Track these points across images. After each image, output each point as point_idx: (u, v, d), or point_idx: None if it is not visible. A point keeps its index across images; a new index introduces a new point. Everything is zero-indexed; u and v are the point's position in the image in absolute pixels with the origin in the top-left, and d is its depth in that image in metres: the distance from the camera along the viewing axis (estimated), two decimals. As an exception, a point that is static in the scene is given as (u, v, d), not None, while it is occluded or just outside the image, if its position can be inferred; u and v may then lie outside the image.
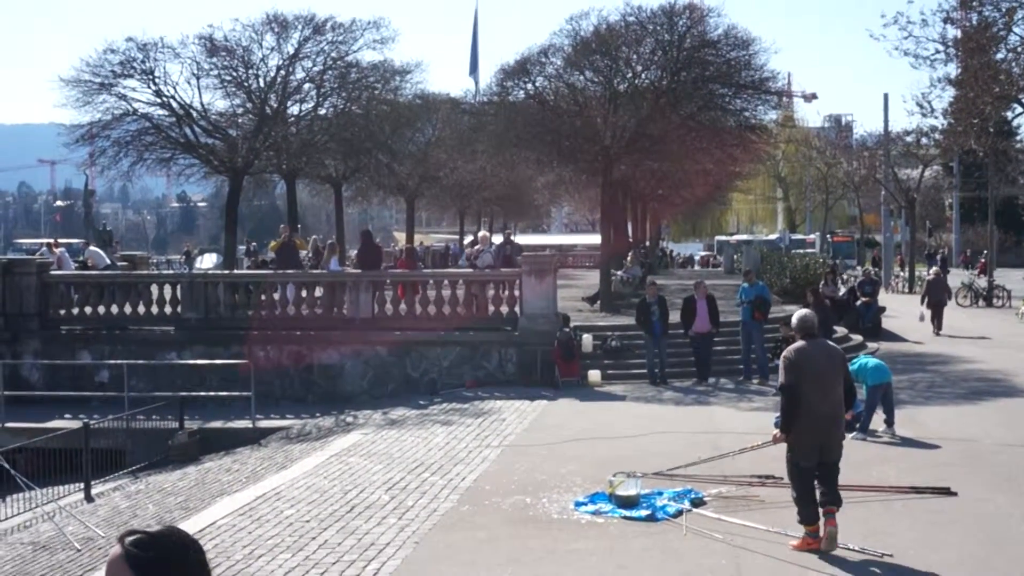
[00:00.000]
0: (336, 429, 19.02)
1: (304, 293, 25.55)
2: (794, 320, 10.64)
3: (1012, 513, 11.39)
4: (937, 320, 32.15)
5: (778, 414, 16.99)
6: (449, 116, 44.01)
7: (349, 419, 19.88)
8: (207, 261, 54.35)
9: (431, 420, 18.88)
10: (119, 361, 23.07)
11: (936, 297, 32.88)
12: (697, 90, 34.37)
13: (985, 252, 60.62)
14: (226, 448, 19.46)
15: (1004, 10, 32.82)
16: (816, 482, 10.25)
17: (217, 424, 21.05)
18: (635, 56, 34.20)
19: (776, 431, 10.96)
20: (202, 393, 22.32)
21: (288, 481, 14.11)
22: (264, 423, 20.78)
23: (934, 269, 38.19)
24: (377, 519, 11.80)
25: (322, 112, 39.24)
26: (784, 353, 10.43)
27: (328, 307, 25.29)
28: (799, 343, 10.31)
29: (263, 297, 25.64)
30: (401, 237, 54.72)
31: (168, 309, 25.44)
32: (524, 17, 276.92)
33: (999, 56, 35.05)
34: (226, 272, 30.17)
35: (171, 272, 40.27)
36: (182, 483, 16.85)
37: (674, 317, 23.31)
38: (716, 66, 34.72)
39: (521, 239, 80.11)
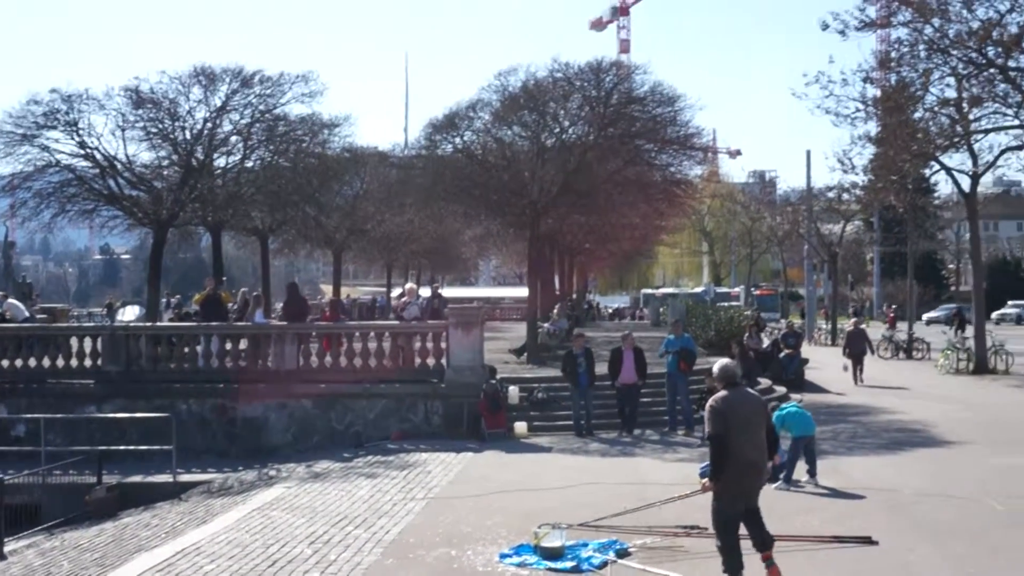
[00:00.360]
0: (259, 483, 18.74)
1: (228, 345, 25.27)
2: (716, 369, 10.70)
3: (933, 562, 11.52)
4: (858, 370, 33.29)
5: (704, 463, 17.14)
6: (377, 169, 44.08)
7: (272, 472, 19.61)
8: (129, 313, 53.48)
9: (356, 473, 18.70)
10: (36, 415, 22.54)
11: (856, 348, 33.95)
12: (623, 145, 34.78)
13: (894, 306, 61.88)
14: (145, 503, 19.06)
15: (921, 71, 33.72)
16: (745, 528, 10.31)
17: (137, 479, 20.63)
18: (562, 111, 34.56)
19: (704, 480, 10.99)
20: (122, 447, 21.88)
21: (208, 536, 13.86)
22: (185, 477, 20.39)
23: (853, 320, 39.55)
24: (299, 573, 11.63)
25: (249, 164, 39.06)
26: (709, 403, 10.46)
27: (253, 359, 25.02)
28: (722, 392, 10.37)
29: (186, 349, 25.31)
30: (328, 289, 54.41)
31: (88, 362, 24.99)
32: (453, 72, 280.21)
33: (917, 115, 35.99)
34: (148, 324, 29.77)
35: (92, 325, 39.55)
36: (99, 539, 16.45)
37: (601, 369, 23.37)
38: (642, 122, 35.22)
39: (448, 292, 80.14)
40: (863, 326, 36.52)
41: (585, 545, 12.38)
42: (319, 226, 44.54)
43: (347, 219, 44.55)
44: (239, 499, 17.22)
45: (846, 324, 42.83)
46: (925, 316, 75.29)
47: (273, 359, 24.53)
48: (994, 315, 74.79)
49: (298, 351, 24.66)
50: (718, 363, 10.87)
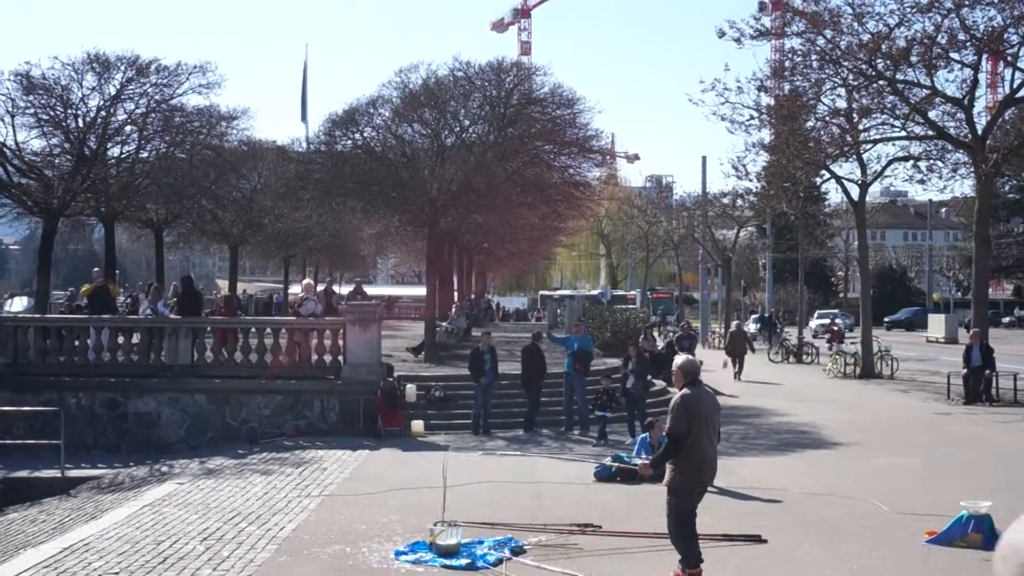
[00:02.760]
0: (150, 479, 18.45)
1: (120, 339, 24.82)
2: (679, 364, 10.79)
3: (819, 559, 11.81)
4: (739, 367, 35.89)
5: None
6: (275, 164, 43.50)
7: (164, 468, 19.32)
8: (17, 305, 52.16)
9: (250, 469, 18.51)
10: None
11: (738, 347, 37.08)
12: (523, 146, 35.00)
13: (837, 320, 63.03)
14: (32, 498, 18.63)
15: (813, 81, 34.47)
16: None
17: (23, 473, 20.13)
18: (463, 110, 34.69)
19: (645, 459, 11.11)
20: (8, 441, 21.36)
21: (98, 532, 13.59)
22: (74, 472, 19.97)
23: (735, 322, 42.97)
24: (190, 571, 11.47)
25: (144, 155, 38.34)
26: (674, 400, 10.58)
27: (145, 353, 24.61)
28: (686, 390, 10.50)
29: (76, 342, 24.80)
30: (224, 284, 53.63)
31: (-27, 353, 24.34)
32: (354, 67, 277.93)
33: (808, 124, 36.78)
34: (37, 316, 29.07)
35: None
36: (-18, 535, 16.04)
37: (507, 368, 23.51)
38: (542, 123, 35.47)
39: (345, 289, 79.75)
40: (745, 327, 38.19)
41: (480, 543, 12.43)
42: (215, 220, 43.84)
43: (244, 213, 43.89)
44: (130, 495, 16.92)
45: (731, 325, 44.36)
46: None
47: (167, 353, 24.16)
48: (885, 319, 77.22)
49: (192, 346, 24.33)
50: (679, 359, 10.97)
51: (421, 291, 45.82)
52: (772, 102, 36.96)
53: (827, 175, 40.38)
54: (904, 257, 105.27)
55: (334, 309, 29.62)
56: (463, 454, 20.18)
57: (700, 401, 10.51)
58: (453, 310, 42.10)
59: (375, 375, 23.41)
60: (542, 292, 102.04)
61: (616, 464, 17.18)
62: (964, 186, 59.13)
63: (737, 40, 33.57)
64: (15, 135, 34.72)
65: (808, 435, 22.30)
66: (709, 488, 15.44)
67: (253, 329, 25.28)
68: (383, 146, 34.36)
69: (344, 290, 36.13)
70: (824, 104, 35.46)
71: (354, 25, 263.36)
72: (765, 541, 12.44)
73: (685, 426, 10.27)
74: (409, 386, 24.14)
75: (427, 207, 32.34)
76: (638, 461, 17.43)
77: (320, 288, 32.92)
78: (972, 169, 34.48)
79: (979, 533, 11.89)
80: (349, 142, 34.65)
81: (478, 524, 13.19)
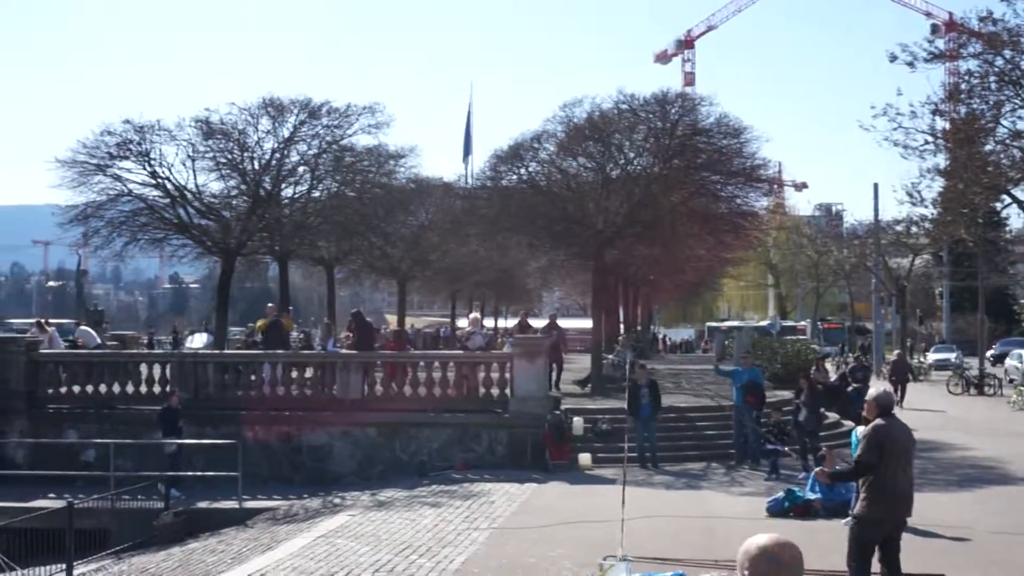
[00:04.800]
0: (323, 510, 18.81)
1: (294, 373, 25.46)
2: (873, 395, 10.59)
3: (1007, 600, 11.26)
4: (901, 394, 35.93)
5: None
6: (442, 200, 44.19)
7: (337, 500, 19.69)
8: (197, 341, 54.17)
9: (419, 502, 18.69)
10: (105, 440, 22.83)
11: (899, 375, 38.29)
12: (689, 176, 34.64)
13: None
14: (212, 529, 19.21)
15: (992, 102, 33.20)
16: (880, 559, 10.27)
17: (203, 504, 20.80)
18: (627, 143, 34.50)
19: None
20: (189, 473, 22.09)
21: (273, 563, 13.90)
22: (251, 504, 20.54)
23: (897, 352, 43.83)
24: (363, 601, 11.61)
25: (316, 194, 39.36)
26: (867, 430, 10.39)
27: (318, 387, 25.17)
28: (879, 421, 10.30)
29: (252, 377, 25.54)
30: (393, 319, 54.64)
31: (157, 388, 25.29)
32: (518, 103, 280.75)
33: (987, 148, 35.42)
34: (216, 352, 30.08)
35: (161, 352, 40.00)
36: (166, 564, 16.59)
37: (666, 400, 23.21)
38: (708, 153, 35.04)
39: (511, 323, 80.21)
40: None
41: (651, 578, 12.23)
42: (384, 256, 44.70)
43: (412, 249, 44.68)
44: (304, 526, 17.27)
45: (890, 355, 43.93)
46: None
47: (339, 387, 24.65)
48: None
49: (363, 380, 24.77)
50: (874, 390, 10.85)
51: (587, 323, 45.73)
52: (948, 126, 35.75)
53: (1009, 200, 38.78)
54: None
55: (556, 347, 30.48)
56: (631, 488, 19.92)
57: (894, 432, 10.25)
58: (619, 342, 41.83)
59: (542, 408, 23.40)
60: (709, 323, 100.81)
61: (790, 499, 16.75)
62: None
63: (910, 64, 32.52)
64: (195, 178, 36.10)
65: (993, 470, 21.34)
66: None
67: (422, 363, 25.60)
68: (548, 180, 34.44)
69: (538, 324, 36.18)
70: (1004, 126, 34.08)
71: (518, 61, 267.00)
72: (950, 581, 11.92)
73: (875, 456, 10.06)
74: (576, 419, 24.04)
75: (592, 240, 32.28)
76: (812, 495, 16.98)
77: (515, 323, 33.20)
78: None
79: None
80: (514, 177, 34.86)
81: (648, 559, 12.98)
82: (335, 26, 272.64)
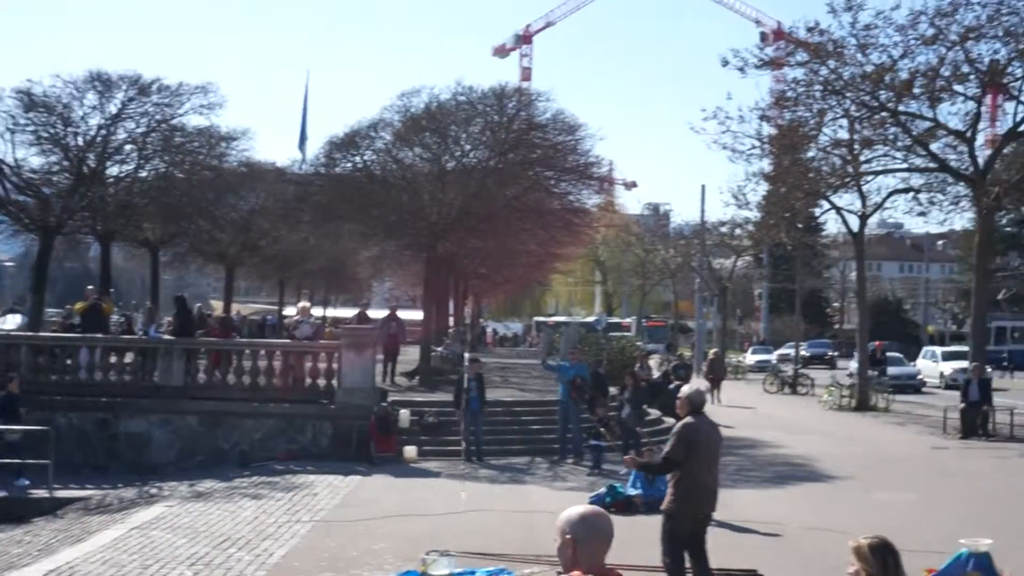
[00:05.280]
0: (139, 501, 18.25)
1: (113, 358, 24.64)
2: (685, 394, 10.77)
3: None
4: (716, 392, 37.46)
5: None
6: (274, 185, 43.43)
7: (154, 490, 19.13)
8: (10, 322, 51.94)
9: (240, 493, 18.32)
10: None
11: (715, 373, 39.80)
12: (524, 171, 34.88)
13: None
14: (19, 518, 18.39)
15: (816, 111, 34.41)
16: (689, 557, 10.48)
17: (9, 493, 19.91)
18: (464, 135, 34.56)
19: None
20: (-4, 460, 21.13)
21: (83, 555, 13.41)
22: (62, 493, 19.73)
23: (714, 350, 44.89)
24: (178, 596, 11.31)
25: (143, 174, 38.31)
26: (676, 427, 10.59)
27: (137, 373, 24.42)
28: (689, 419, 10.46)
29: (68, 361, 24.62)
30: (219, 305, 53.43)
31: (-37, 371, 24.11)
32: (356, 89, 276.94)
33: (810, 154, 36.72)
34: (29, 334, 28.85)
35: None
36: (-33, 556, 15.83)
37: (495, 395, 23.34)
38: (543, 149, 35.36)
39: (341, 312, 79.33)
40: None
41: (472, 573, 12.21)
42: (212, 240, 43.78)
43: (241, 234, 43.83)
44: (118, 517, 16.72)
45: (710, 353, 45.05)
46: None
47: (160, 374, 23.97)
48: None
49: (186, 367, 24.15)
50: (687, 388, 11.00)
51: (417, 315, 45.65)
52: (774, 132, 36.94)
53: (827, 206, 40.35)
54: (900, 289, 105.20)
55: (395, 337, 30.94)
56: (456, 481, 19.99)
57: (702, 431, 10.50)
58: (449, 335, 41.92)
59: (369, 400, 23.22)
60: (537, 318, 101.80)
61: (611, 495, 17.02)
62: (963, 219, 59.09)
63: (741, 69, 33.52)
64: (14, 152, 34.70)
65: (805, 468, 22.11)
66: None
67: (247, 351, 25.09)
68: (383, 169, 34.22)
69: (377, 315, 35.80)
70: (826, 134, 35.44)
71: (355, 47, 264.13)
72: (761, 576, 12.28)
73: (681, 454, 10.29)
74: (403, 411, 23.93)
75: (426, 231, 32.23)
76: (632, 491, 17.30)
77: (354, 313, 32.84)
78: (973, 202, 34.45)
79: (979, 571, 11.70)
80: (349, 165, 34.52)
81: (471, 554, 12.99)
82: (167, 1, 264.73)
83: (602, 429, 21.87)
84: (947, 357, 48.74)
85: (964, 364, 45.20)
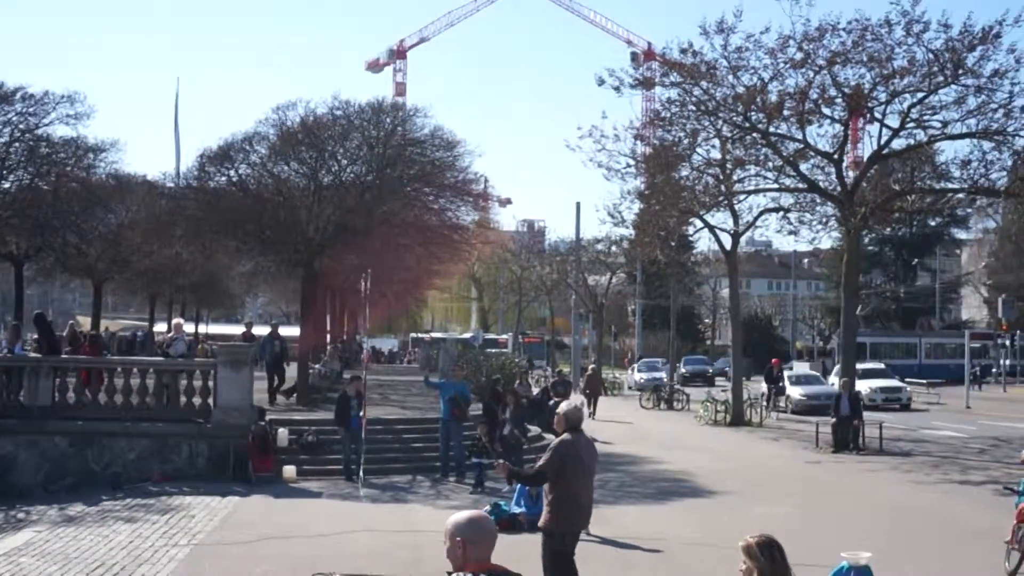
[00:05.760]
0: (5, 526, 17.56)
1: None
2: (563, 411, 10.73)
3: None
4: (593, 407, 38.26)
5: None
6: (145, 199, 42.34)
7: (21, 515, 18.43)
8: None
9: (114, 517, 17.74)
10: None
11: (593, 388, 40.77)
12: (402, 187, 34.67)
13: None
14: None
15: (689, 130, 34.99)
16: None
17: None
18: (341, 150, 34.20)
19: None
20: None
21: (-52, 585, 12.81)
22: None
23: (592, 366, 46.97)
24: (51, 626, 10.85)
25: (6, 186, 37.06)
26: (553, 444, 10.56)
27: (2, 393, 23.50)
28: (566, 436, 10.47)
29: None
30: (86, 321, 51.87)
31: None
32: (229, 101, 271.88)
33: (684, 173, 37.34)
34: None
35: None
36: None
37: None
38: (421, 165, 35.19)
39: (214, 328, 77.83)
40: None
41: (359, 596, 12.03)
42: (80, 254, 42.51)
43: (111, 248, 42.64)
44: (-18, 544, 16.01)
45: (587, 368, 45.69)
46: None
47: (26, 393, 23.09)
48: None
49: (54, 386, 23.32)
50: (564, 405, 10.98)
51: (293, 331, 44.95)
52: (648, 150, 37.46)
53: (700, 224, 41.05)
54: (768, 306, 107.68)
55: (279, 357, 30.73)
56: (337, 501, 19.70)
57: (579, 448, 10.53)
58: (327, 352, 41.41)
59: (246, 418, 22.74)
60: (413, 334, 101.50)
61: (495, 513, 16.91)
62: (831, 238, 60.81)
63: (616, 88, 33.91)
64: None
65: (684, 483, 22.34)
66: (588, 536, 15.40)
67: (119, 369, 24.35)
68: (259, 184, 33.63)
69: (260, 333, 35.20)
70: (699, 154, 36.07)
71: (228, 58, 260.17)
72: (648, 593, 12.32)
73: (554, 470, 10.30)
74: (281, 430, 23.51)
75: (303, 247, 31.79)
76: (517, 509, 17.24)
77: (240, 331, 32.23)
78: (840, 222, 35.42)
79: (860, 585, 11.91)
80: (223, 179, 33.82)
81: (356, 576, 12.76)
82: (29, 6, 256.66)
83: (487, 445, 21.78)
84: (865, 375, 43.89)
85: (886, 383, 45.41)
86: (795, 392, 42.77)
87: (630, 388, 58.87)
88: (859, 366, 39.09)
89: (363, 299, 25.94)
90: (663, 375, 57.48)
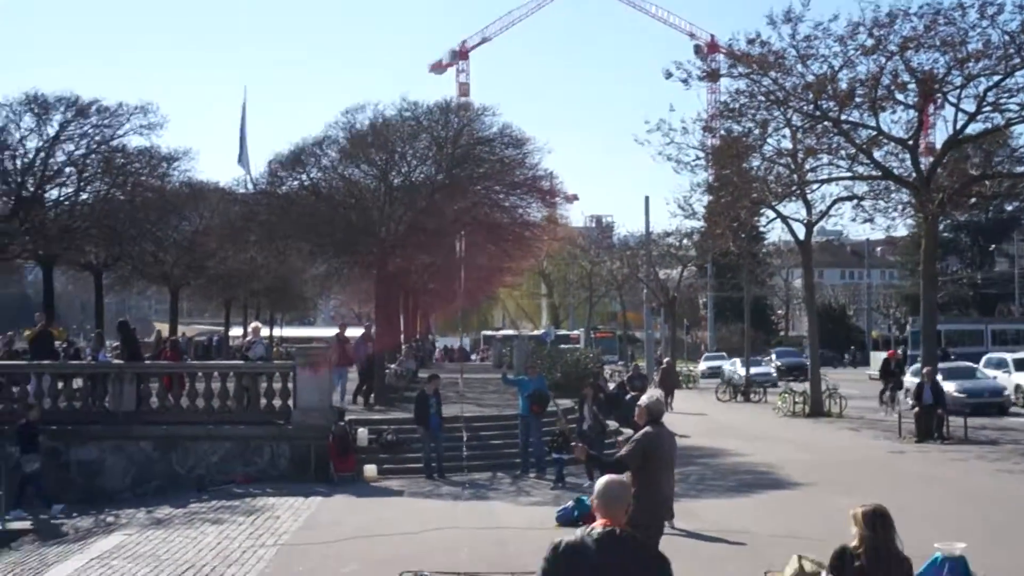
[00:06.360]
0: (96, 530, 17.84)
1: (61, 385, 24.13)
2: (645, 403, 10.64)
3: (792, 604, 11.58)
4: (669, 400, 36.43)
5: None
6: (218, 205, 42.97)
7: (110, 519, 18.73)
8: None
9: (200, 518, 17.97)
10: None
11: (668, 382, 39.03)
12: (472, 186, 34.77)
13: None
14: (-29, 553, 17.89)
15: (759, 121, 34.65)
16: None
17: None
18: (410, 151, 34.38)
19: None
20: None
21: (45, 588, 13.04)
22: (15, 524, 19.24)
23: (667, 360, 45.21)
24: (147, 627, 11.01)
25: (84, 197, 37.77)
26: (636, 436, 10.45)
27: (88, 400, 23.92)
28: (648, 428, 10.37)
29: (15, 389, 24.06)
30: (163, 327, 52.68)
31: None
32: (298, 106, 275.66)
33: (755, 164, 37.02)
34: (-26, 363, 28.19)
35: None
36: (-82, 592, 15.38)
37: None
38: (490, 163, 35.27)
39: (288, 331, 78.61)
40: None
41: (447, 593, 12.06)
42: (156, 262, 43.27)
43: (186, 255, 43.34)
44: (75, 548, 16.30)
45: (662, 362, 45.35)
46: None
47: (111, 400, 23.48)
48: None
49: (137, 391, 23.69)
50: (648, 398, 10.83)
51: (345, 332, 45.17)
52: (717, 142, 37.18)
53: (772, 214, 40.65)
54: (842, 296, 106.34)
55: (347, 356, 30.03)
56: (418, 499, 19.78)
57: (661, 440, 10.42)
58: (402, 351, 41.64)
59: (326, 419, 22.92)
60: (485, 332, 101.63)
61: (578, 508, 16.87)
62: (905, 225, 59.88)
63: (684, 81, 33.69)
64: (-50, 178, 34.04)
65: (767, 475, 22.12)
66: (673, 530, 15.30)
67: (200, 373, 24.69)
68: (330, 187, 33.94)
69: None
70: (770, 144, 35.71)
71: (292, 65, 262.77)
72: (738, 587, 12.20)
73: (636, 461, 10.16)
74: (361, 430, 23.69)
75: (376, 248, 31.97)
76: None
77: (332, 333, 32.45)
78: (917, 209, 34.84)
79: (954, 576, 11.69)
80: (295, 183, 34.17)
81: (444, 574, 12.79)
82: (103, 20, 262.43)
83: (570, 441, 21.73)
84: (950, 376, 35.25)
85: (975, 384, 36.74)
86: (950, 388, 33.20)
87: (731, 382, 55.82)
88: (942, 365, 35.26)
89: (459, 259, 25.83)
90: (771, 369, 58.87)
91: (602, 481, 6.01)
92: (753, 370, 56.98)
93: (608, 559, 5.51)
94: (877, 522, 6.45)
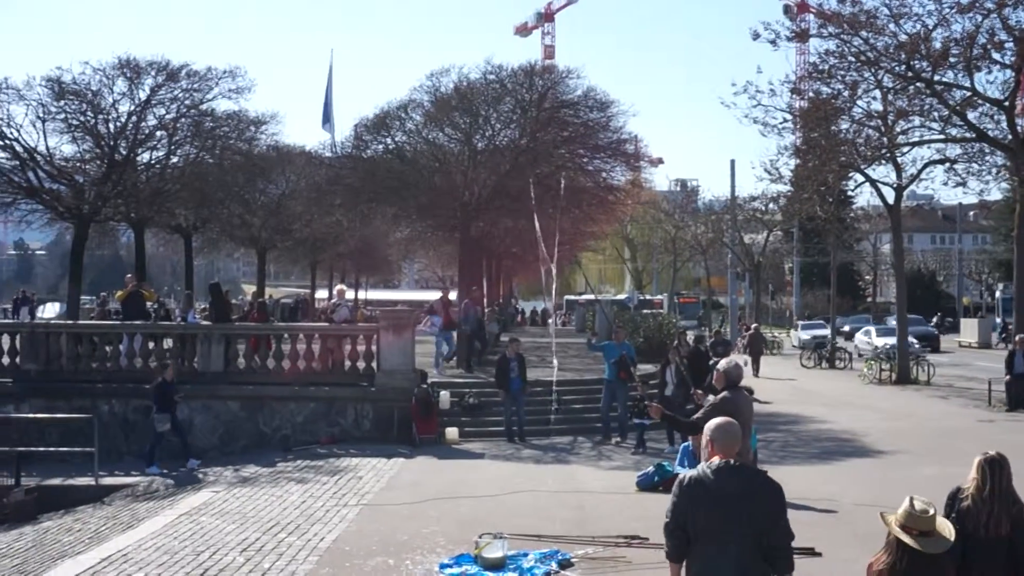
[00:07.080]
0: (185, 487, 18.26)
1: (152, 345, 24.65)
2: (723, 368, 10.59)
3: (874, 573, 11.44)
4: (756, 366, 38.50)
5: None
6: (304, 168, 43.43)
7: (199, 476, 19.14)
8: (49, 311, 52.36)
9: (285, 478, 18.29)
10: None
11: (755, 348, 41.08)
12: (556, 149, 34.65)
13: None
14: (66, 507, 18.42)
15: (849, 82, 33.97)
16: None
17: (56, 481, 19.96)
18: (495, 114, 34.36)
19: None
20: (41, 448, 21.21)
21: (135, 542, 13.37)
22: (108, 480, 19.75)
23: (754, 325, 45.72)
24: (233, 583, 11.25)
25: (174, 160, 38.38)
26: (713, 400, 10.47)
27: (177, 359, 24.41)
28: (726, 393, 10.33)
29: (108, 348, 24.63)
30: (250, 290, 53.48)
31: (6, 360, 24.20)
32: (382, 70, 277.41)
33: (844, 127, 36.31)
34: (69, 323, 28.90)
35: (9, 322, 38.30)
36: (18, 544, 15.87)
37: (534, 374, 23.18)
38: (574, 127, 35.10)
39: (372, 294, 79.30)
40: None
41: (526, 555, 12.15)
42: (244, 224, 43.89)
43: (273, 218, 43.91)
44: (166, 504, 16.72)
45: (750, 328, 45.76)
46: None
47: (199, 360, 23.93)
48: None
49: (225, 352, 24.12)
50: (724, 362, 10.79)
51: (450, 296, 45.44)
52: (806, 104, 36.56)
53: (860, 178, 39.91)
54: (932, 261, 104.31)
55: (452, 321, 30.26)
56: (499, 462, 19.91)
57: (738, 405, 10.33)
58: (485, 315, 41.80)
59: (409, 381, 23.13)
60: (567, 296, 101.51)
61: (659, 473, 16.87)
62: (1000, 189, 58.37)
63: (772, 42, 33.11)
64: (46, 140, 34.78)
65: (851, 443, 21.87)
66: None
67: (286, 335, 25.05)
68: (414, 151, 34.10)
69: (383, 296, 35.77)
70: (859, 106, 34.99)
71: (377, 29, 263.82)
72: (819, 554, 12.09)
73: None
74: (443, 393, 23.87)
75: (459, 211, 32.08)
76: (680, 469, 17.12)
77: (436, 297, 32.57)
78: (1012, 172, 33.95)
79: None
80: (380, 147, 34.38)
81: (524, 536, 12.88)
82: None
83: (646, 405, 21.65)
84: None
85: None
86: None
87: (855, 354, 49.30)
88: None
89: (560, 204, 25.77)
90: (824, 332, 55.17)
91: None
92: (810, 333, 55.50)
93: (726, 486, 6.21)
94: (987, 467, 7.01)
